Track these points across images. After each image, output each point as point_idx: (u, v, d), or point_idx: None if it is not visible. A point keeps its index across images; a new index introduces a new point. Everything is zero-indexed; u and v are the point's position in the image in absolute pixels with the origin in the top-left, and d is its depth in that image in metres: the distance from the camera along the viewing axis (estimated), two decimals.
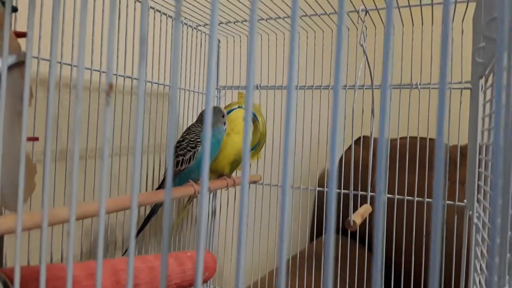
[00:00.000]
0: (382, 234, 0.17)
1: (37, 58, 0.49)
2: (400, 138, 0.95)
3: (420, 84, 0.72)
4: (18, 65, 0.26)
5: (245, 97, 0.20)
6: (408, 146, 0.86)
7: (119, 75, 0.62)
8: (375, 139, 0.98)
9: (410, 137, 0.88)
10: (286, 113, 0.19)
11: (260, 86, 0.79)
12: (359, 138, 1.25)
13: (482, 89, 0.56)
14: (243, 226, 0.19)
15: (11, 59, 0.26)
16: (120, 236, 0.68)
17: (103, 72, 0.58)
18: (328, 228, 0.17)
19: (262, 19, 0.72)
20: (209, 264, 0.46)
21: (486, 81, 0.54)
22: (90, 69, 0.57)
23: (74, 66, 0.55)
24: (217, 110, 0.65)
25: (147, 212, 0.67)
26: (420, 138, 0.81)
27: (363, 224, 0.84)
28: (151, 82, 0.67)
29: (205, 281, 0.46)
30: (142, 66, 0.22)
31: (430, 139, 0.86)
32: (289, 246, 0.93)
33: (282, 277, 0.19)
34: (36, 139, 0.40)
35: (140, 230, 0.66)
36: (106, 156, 0.23)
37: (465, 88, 0.70)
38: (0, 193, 0.24)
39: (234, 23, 0.74)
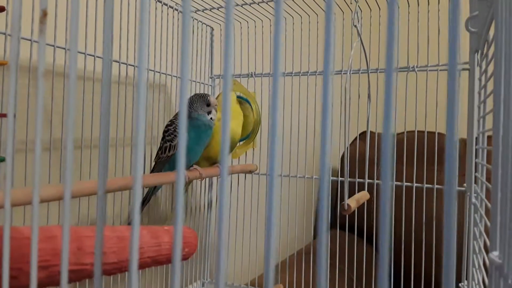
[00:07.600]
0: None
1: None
2: (407, 132, 0.92)
3: (417, 66, 0.69)
4: None
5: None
6: (405, 141, 0.83)
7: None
8: (378, 134, 0.96)
9: (407, 131, 0.85)
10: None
11: (254, 74, 0.77)
12: (364, 132, 1.21)
13: (477, 63, 0.54)
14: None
15: None
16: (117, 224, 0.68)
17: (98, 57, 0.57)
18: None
19: (246, 3, 0.71)
20: (189, 239, 0.44)
21: (482, 54, 0.52)
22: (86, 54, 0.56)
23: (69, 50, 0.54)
24: (200, 98, 0.63)
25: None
26: (419, 131, 0.78)
27: (368, 220, 0.81)
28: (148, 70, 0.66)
29: (185, 258, 0.44)
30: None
31: (429, 132, 0.83)
32: (278, 243, 0.91)
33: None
34: (4, 115, 0.37)
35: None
36: (40, 95, 0.22)
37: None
38: None
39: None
